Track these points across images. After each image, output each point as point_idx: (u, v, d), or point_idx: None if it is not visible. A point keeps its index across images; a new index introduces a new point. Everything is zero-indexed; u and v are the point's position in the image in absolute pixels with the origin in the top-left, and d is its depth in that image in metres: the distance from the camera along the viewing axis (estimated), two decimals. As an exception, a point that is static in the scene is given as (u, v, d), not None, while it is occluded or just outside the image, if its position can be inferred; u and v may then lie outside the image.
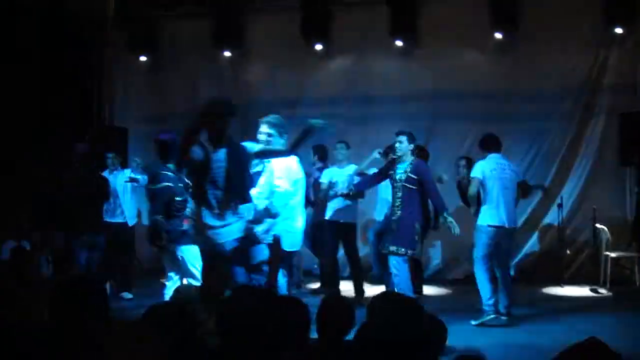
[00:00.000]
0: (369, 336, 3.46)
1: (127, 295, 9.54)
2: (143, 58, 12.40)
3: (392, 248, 7.69)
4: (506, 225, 7.93)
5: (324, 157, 9.90)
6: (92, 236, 8.69)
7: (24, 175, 10.42)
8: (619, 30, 10.54)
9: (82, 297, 3.52)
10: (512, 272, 8.98)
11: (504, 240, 8.03)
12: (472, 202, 8.29)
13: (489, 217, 7.91)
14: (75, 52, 11.65)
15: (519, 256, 10.96)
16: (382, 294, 3.95)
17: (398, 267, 7.66)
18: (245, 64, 12.16)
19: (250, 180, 6.36)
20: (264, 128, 6.58)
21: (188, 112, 12.06)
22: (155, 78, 12.57)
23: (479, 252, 7.94)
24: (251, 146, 6.32)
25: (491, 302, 7.77)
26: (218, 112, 5.98)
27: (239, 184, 6.05)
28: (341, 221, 9.22)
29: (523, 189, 8.29)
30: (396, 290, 7.55)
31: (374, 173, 8.57)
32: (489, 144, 8.22)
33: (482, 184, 7.97)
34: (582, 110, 10.87)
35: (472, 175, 8.08)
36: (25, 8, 10.55)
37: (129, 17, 12.30)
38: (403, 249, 7.67)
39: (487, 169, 7.98)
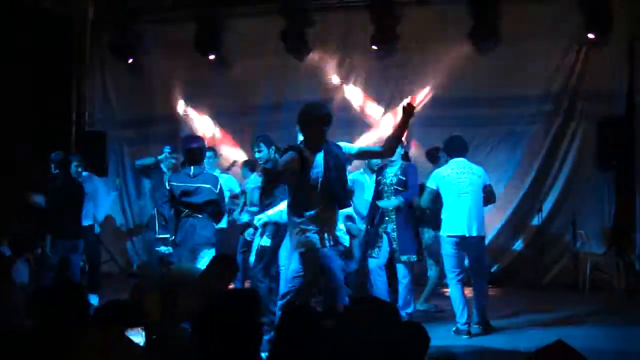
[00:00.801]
0: (345, 340, 3.47)
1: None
2: (124, 62, 12.36)
3: (404, 258, 7.75)
4: (467, 234, 7.46)
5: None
6: (72, 241, 8.66)
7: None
8: (597, 37, 10.60)
9: (64, 302, 3.54)
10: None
11: (471, 250, 7.61)
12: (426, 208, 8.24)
13: (448, 226, 7.56)
14: (55, 54, 11.60)
15: (500, 260, 11.00)
16: (359, 299, 3.96)
17: (405, 274, 7.80)
18: (227, 68, 12.14)
19: (346, 184, 6.22)
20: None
21: (169, 115, 12.24)
22: (136, 82, 12.54)
23: (446, 265, 7.72)
24: (347, 147, 6.16)
25: (464, 320, 7.50)
26: (315, 116, 5.90)
27: (338, 188, 5.91)
28: None
29: (487, 194, 7.76)
30: (403, 294, 7.79)
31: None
32: (451, 148, 7.83)
33: (438, 193, 7.70)
34: (562, 115, 10.90)
35: (426, 184, 7.79)
36: (7, 10, 10.47)
37: (111, 22, 12.28)
38: (414, 257, 7.78)
39: (440, 176, 7.67)
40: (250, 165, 9.78)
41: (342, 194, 5.96)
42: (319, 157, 5.83)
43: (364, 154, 6.36)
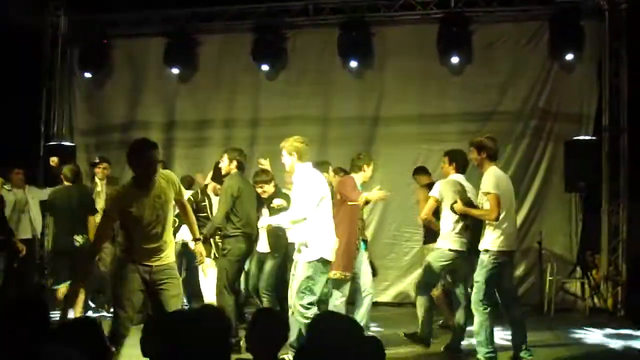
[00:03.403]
0: (308, 354, 3.46)
1: None
2: (93, 75, 12.32)
3: None
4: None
5: None
6: None
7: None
8: (567, 59, 10.73)
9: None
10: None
11: (463, 266, 7.64)
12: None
13: (452, 241, 7.52)
14: (24, 68, 11.54)
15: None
16: (322, 313, 3.96)
17: None
18: (197, 84, 12.13)
19: None
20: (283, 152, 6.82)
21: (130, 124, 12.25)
22: (106, 94, 12.53)
23: (429, 278, 7.68)
24: None
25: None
26: None
27: None
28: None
29: None
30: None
31: None
32: (462, 164, 7.80)
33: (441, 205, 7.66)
34: (531, 135, 10.98)
35: (430, 193, 7.73)
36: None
37: (81, 36, 12.24)
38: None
39: (448, 189, 7.58)
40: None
41: None
42: None
43: None
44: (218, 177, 8.22)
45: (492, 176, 6.95)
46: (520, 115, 11.03)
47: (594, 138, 10.55)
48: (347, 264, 7.49)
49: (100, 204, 9.09)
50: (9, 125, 11.01)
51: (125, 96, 12.41)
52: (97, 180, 9.85)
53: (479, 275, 6.91)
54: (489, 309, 6.88)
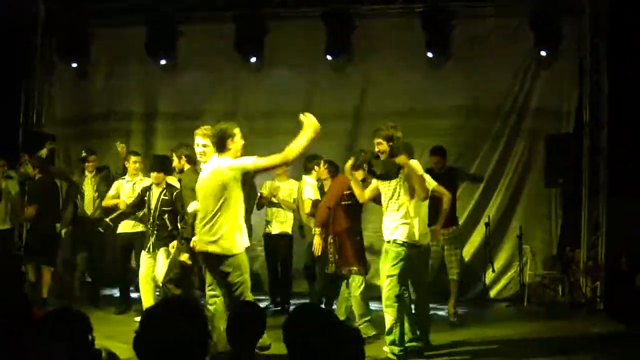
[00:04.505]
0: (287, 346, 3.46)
1: None
2: (73, 64, 12.15)
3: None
4: None
5: None
6: None
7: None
8: (547, 55, 10.76)
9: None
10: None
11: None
12: None
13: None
14: (2, 56, 11.44)
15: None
16: (301, 306, 3.95)
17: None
18: (179, 74, 12.04)
19: None
20: (198, 139, 6.74)
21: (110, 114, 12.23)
22: (86, 85, 12.42)
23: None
24: None
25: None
26: None
27: None
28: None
29: None
30: None
31: None
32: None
33: None
34: (510, 130, 11.03)
35: None
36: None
37: (61, 24, 12.10)
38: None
39: None
40: None
41: None
42: None
43: None
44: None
45: (417, 163, 7.10)
46: (501, 111, 11.07)
47: (574, 133, 10.60)
48: (361, 258, 8.13)
49: (89, 194, 9.88)
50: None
51: (105, 86, 12.32)
52: (86, 172, 10.01)
53: (394, 269, 6.94)
54: (400, 305, 6.90)
